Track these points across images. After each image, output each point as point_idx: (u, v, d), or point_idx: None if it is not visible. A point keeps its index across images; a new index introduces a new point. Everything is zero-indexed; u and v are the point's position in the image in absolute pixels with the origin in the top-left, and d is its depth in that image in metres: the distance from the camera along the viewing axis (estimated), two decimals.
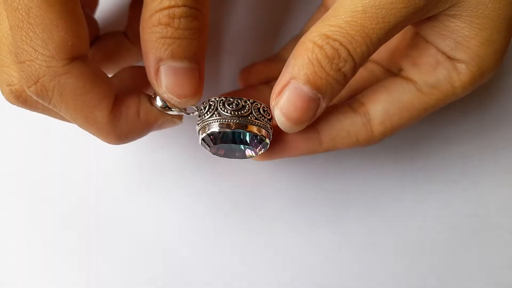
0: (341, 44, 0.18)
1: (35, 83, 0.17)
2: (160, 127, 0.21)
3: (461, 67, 0.20)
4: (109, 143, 0.20)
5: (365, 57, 0.19)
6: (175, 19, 0.17)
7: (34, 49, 0.17)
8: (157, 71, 0.18)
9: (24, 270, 0.27)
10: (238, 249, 0.27)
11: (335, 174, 0.28)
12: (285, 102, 0.19)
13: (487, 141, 0.29)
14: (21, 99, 0.20)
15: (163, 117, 0.20)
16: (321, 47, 0.18)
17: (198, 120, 0.21)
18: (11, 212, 0.28)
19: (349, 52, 0.18)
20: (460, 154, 0.29)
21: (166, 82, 0.19)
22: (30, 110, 0.21)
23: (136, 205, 0.28)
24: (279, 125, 0.20)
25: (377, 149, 0.28)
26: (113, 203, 0.28)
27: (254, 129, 0.20)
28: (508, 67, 0.29)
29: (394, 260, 0.27)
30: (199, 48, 0.18)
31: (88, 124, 0.19)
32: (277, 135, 0.22)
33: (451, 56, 0.20)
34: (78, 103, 0.18)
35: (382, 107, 0.21)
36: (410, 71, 0.22)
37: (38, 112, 0.21)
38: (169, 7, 0.17)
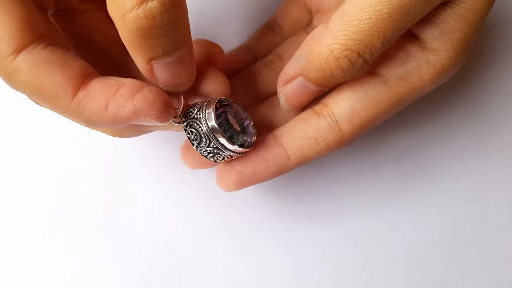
0: (359, 55, 0.18)
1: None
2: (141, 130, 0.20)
3: (434, 59, 0.20)
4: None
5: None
6: (155, 18, 0.15)
7: None
8: (151, 69, 0.17)
9: (23, 269, 0.27)
10: (237, 247, 0.28)
11: (334, 172, 0.29)
12: (290, 92, 0.21)
13: (487, 139, 0.29)
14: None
15: (136, 118, 0.18)
16: (337, 59, 0.18)
17: (184, 121, 0.20)
18: (11, 210, 0.28)
19: (365, 60, 0.18)
20: (459, 152, 0.29)
21: (163, 78, 0.18)
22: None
23: (135, 203, 0.28)
24: (280, 104, 0.22)
25: (375, 148, 0.29)
26: (111, 200, 0.28)
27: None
28: (508, 66, 0.30)
29: (393, 258, 0.27)
30: (187, 29, 0.17)
31: (59, 113, 0.18)
32: (245, 161, 0.21)
33: (428, 45, 0.20)
34: (39, 95, 0.17)
35: (347, 104, 0.21)
36: (377, 64, 0.21)
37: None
38: (142, 2, 0.15)
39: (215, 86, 0.21)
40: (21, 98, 0.27)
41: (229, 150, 0.20)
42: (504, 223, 0.28)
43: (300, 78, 0.20)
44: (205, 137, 0.20)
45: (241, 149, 0.20)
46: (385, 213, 0.28)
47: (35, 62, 0.17)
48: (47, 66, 0.17)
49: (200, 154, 0.20)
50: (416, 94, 0.21)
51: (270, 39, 0.27)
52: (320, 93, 0.21)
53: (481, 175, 0.29)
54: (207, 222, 0.28)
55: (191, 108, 0.20)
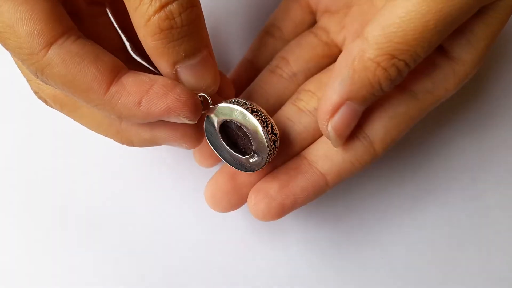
0: (405, 63, 0.17)
1: (36, 81, 0.18)
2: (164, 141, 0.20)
3: (459, 68, 0.20)
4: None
5: None
6: (175, 19, 0.16)
7: (18, 52, 0.17)
8: (176, 74, 0.18)
9: (22, 269, 0.27)
10: (235, 246, 0.27)
11: None
12: (340, 122, 0.19)
13: (486, 138, 0.29)
14: (48, 104, 0.21)
15: (167, 115, 0.18)
16: (385, 70, 0.17)
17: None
18: (10, 210, 0.28)
19: (409, 68, 0.18)
20: (459, 151, 0.29)
21: (189, 81, 0.18)
22: (61, 112, 0.21)
23: (135, 203, 0.28)
24: (330, 140, 0.20)
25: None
26: (112, 201, 0.28)
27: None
28: (508, 65, 0.30)
29: (392, 257, 0.27)
30: (205, 31, 0.18)
31: (90, 105, 0.18)
32: (285, 191, 0.21)
33: (455, 55, 0.20)
34: (72, 88, 0.17)
35: (380, 124, 0.21)
36: (405, 78, 0.21)
37: (65, 113, 0.21)
38: (162, 6, 0.16)
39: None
40: (21, 99, 0.26)
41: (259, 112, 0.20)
42: (504, 223, 0.28)
43: (349, 103, 0.19)
44: (239, 102, 0.20)
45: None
46: (383, 211, 0.28)
47: (67, 55, 0.17)
48: (79, 59, 0.17)
49: (244, 113, 0.20)
50: (438, 103, 0.21)
51: (271, 46, 0.26)
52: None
53: (481, 174, 0.29)
54: (205, 222, 0.27)
55: None
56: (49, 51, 0.16)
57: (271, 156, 0.20)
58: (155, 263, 0.27)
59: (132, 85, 0.17)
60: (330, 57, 0.25)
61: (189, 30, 0.17)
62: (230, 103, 0.20)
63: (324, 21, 0.25)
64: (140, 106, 0.17)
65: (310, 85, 0.23)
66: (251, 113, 0.20)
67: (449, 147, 0.29)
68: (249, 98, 0.24)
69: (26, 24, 0.16)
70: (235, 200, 0.22)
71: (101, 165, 0.28)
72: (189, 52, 0.17)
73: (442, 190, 0.28)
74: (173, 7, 0.16)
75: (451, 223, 0.28)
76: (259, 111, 0.20)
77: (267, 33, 0.26)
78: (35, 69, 0.17)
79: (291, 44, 0.25)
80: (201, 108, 0.19)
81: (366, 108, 0.20)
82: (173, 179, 0.28)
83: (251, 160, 0.21)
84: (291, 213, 0.27)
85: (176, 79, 0.18)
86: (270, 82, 0.24)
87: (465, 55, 0.20)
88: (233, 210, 0.23)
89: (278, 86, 0.24)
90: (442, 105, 0.28)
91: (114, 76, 0.17)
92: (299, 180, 0.21)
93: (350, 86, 0.18)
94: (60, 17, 0.17)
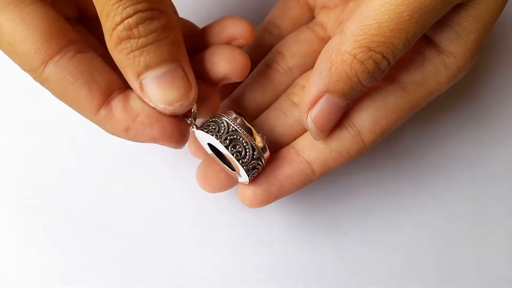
0: (383, 56, 0.18)
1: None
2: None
3: (450, 61, 0.20)
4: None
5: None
6: (133, 30, 0.16)
7: (22, 67, 0.18)
8: (141, 87, 0.18)
9: (22, 269, 0.27)
10: (234, 245, 0.27)
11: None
12: (319, 114, 0.19)
13: (484, 136, 0.29)
14: None
15: (153, 142, 0.19)
16: (362, 62, 0.17)
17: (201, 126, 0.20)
18: (9, 210, 0.28)
19: (389, 62, 0.18)
20: (457, 150, 0.29)
21: (154, 94, 0.18)
22: None
23: (134, 202, 0.28)
24: (310, 133, 0.20)
25: (374, 146, 0.29)
26: (110, 200, 0.28)
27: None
28: (507, 65, 0.30)
29: (390, 256, 0.27)
30: (172, 45, 0.18)
31: (86, 118, 0.19)
32: (271, 178, 0.21)
33: (444, 48, 0.20)
34: (68, 103, 0.18)
35: (368, 114, 0.21)
36: (394, 70, 0.21)
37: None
38: (122, 20, 0.16)
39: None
40: (21, 98, 0.27)
41: (246, 129, 0.20)
42: (501, 222, 0.28)
43: (328, 96, 0.19)
44: (223, 124, 0.20)
45: (259, 136, 0.20)
46: (382, 210, 0.28)
47: (61, 74, 0.17)
48: (73, 79, 0.18)
49: (220, 147, 0.20)
50: (432, 97, 0.21)
51: (268, 43, 0.26)
52: (346, 108, 0.20)
53: (478, 173, 0.29)
54: (204, 221, 0.28)
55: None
56: (46, 69, 0.17)
57: (255, 174, 0.21)
58: (150, 259, 0.27)
59: (119, 112, 0.18)
60: None
61: (149, 41, 0.17)
62: (211, 124, 0.20)
63: (321, 17, 0.26)
64: (127, 133, 0.18)
65: (305, 79, 0.23)
66: (229, 144, 0.19)
67: (447, 146, 0.29)
68: (244, 91, 0.24)
69: (24, 43, 0.17)
70: (225, 179, 0.22)
71: (95, 161, 0.28)
72: (151, 62, 0.17)
73: (441, 189, 0.28)
74: (132, 19, 0.16)
75: (449, 222, 0.28)
76: (239, 136, 0.20)
77: (265, 31, 0.26)
78: (39, 82, 0.18)
79: (288, 39, 0.25)
80: (188, 136, 0.19)
81: (350, 102, 0.20)
82: (169, 172, 0.28)
83: (238, 176, 0.21)
84: (290, 212, 0.28)
85: (143, 92, 0.18)
86: (266, 76, 0.24)
87: (455, 48, 0.20)
88: (223, 190, 0.23)
89: (274, 80, 0.24)
90: (440, 103, 0.29)
91: (105, 98, 0.18)
92: (285, 168, 0.21)
93: (328, 78, 0.18)
94: (58, 33, 0.18)
